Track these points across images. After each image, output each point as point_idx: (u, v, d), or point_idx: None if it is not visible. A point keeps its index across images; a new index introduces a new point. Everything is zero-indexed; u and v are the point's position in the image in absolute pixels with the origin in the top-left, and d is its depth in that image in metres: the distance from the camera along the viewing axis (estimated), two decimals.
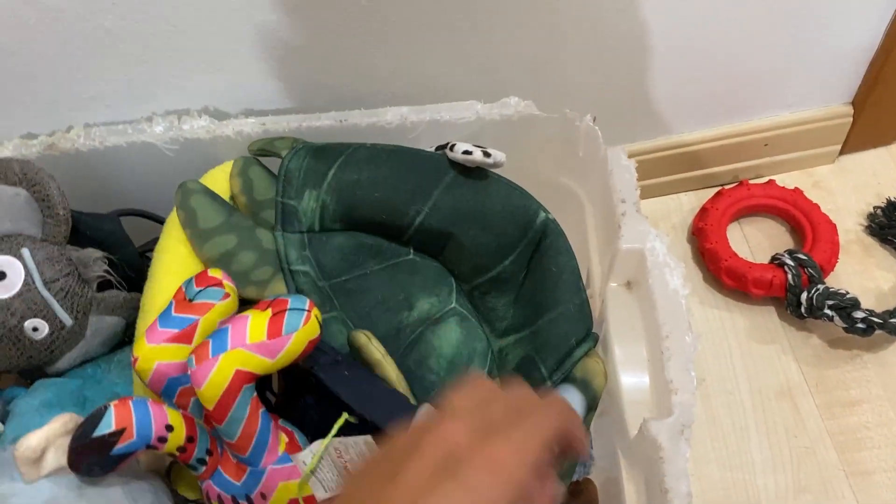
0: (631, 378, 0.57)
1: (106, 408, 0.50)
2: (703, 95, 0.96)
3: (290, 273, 0.60)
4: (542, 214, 0.59)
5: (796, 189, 1.02)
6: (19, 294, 0.61)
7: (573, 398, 0.53)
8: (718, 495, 0.85)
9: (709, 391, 0.92)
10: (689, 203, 1.07)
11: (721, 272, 0.96)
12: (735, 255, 0.97)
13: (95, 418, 0.50)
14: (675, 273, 0.55)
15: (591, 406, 0.54)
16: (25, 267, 0.62)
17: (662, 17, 0.82)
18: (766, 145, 1.03)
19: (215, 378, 0.49)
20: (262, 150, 0.66)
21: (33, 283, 0.62)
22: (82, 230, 0.68)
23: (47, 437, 0.52)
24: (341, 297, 0.61)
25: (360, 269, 0.62)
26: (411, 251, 0.63)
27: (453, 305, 0.61)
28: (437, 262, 0.64)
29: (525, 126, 0.64)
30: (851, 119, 1.02)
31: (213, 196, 0.62)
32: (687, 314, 0.53)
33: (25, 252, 0.63)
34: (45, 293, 0.63)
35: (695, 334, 0.53)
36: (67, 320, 0.64)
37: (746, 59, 0.92)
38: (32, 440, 0.52)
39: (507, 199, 0.60)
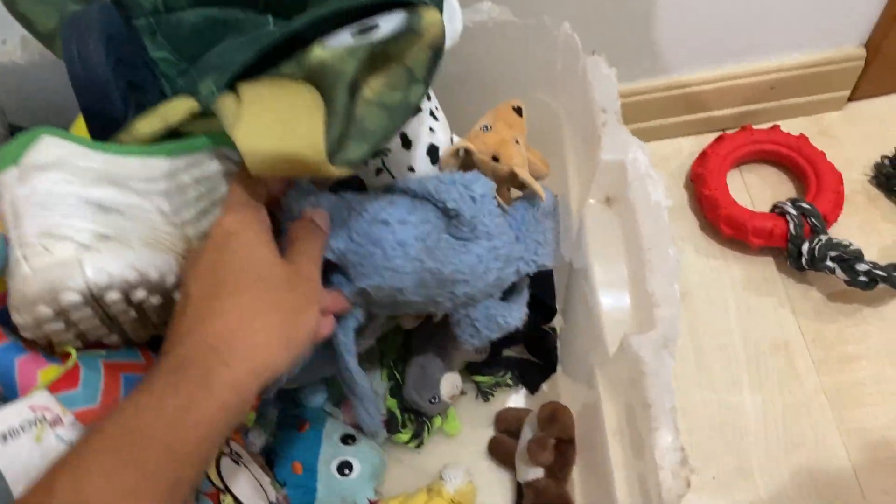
0: (610, 298, 0.56)
1: None
2: (707, 33, 0.94)
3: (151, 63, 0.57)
4: None
5: (801, 136, 1.00)
6: None
7: (390, 13, 0.50)
8: (707, 448, 0.84)
9: (702, 343, 0.91)
10: (689, 148, 1.05)
11: (719, 220, 0.95)
12: (735, 202, 0.95)
13: None
14: (657, 185, 0.53)
15: (414, 22, 0.49)
16: None
17: None
18: (772, 88, 1.01)
19: None
20: None
21: None
22: None
23: None
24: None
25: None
26: (270, 20, 0.59)
27: None
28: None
29: (499, 34, 0.62)
30: (864, 63, 1.00)
31: None
32: (669, 227, 0.52)
33: None
34: None
35: (677, 248, 0.51)
36: None
37: None
38: None
39: None
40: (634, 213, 0.53)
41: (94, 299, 0.49)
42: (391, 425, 0.80)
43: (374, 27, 0.49)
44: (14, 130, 0.66)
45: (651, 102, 1.00)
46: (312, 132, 0.48)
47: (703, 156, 1.01)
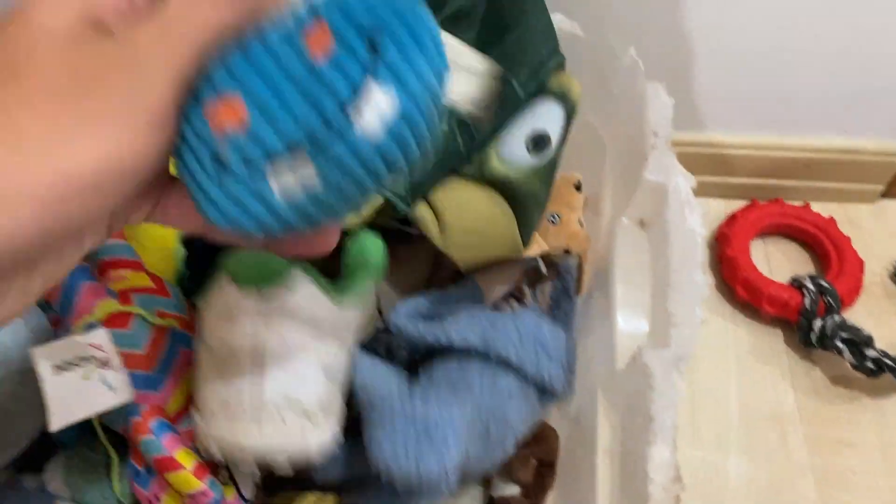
0: (628, 318, 0.55)
1: None
2: (757, 99, 0.95)
3: None
4: None
5: (831, 218, 1.01)
6: None
7: (552, 109, 0.54)
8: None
9: (696, 398, 0.90)
10: (716, 209, 1.05)
11: (737, 282, 0.95)
12: (754, 268, 0.95)
13: None
14: (694, 212, 0.53)
15: (570, 118, 0.55)
16: None
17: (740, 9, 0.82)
18: (808, 167, 1.01)
19: None
20: None
21: None
22: None
23: None
24: None
25: None
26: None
27: None
28: None
29: (564, 48, 0.62)
30: None
31: None
32: (700, 253, 0.51)
33: None
34: None
35: (705, 278, 0.51)
36: None
37: (814, 72, 0.91)
38: None
39: None
40: (667, 234, 0.53)
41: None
42: None
43: (545, 139, 0.54)
44: None
45: (686, 157, 1.00)
46: (513, 239, 0.55)
47: (732, 218, 1.01)
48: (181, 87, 0.25)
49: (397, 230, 0.67)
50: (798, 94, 0.94)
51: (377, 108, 0.25)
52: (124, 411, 0.51)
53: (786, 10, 0.83)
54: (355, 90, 0.25)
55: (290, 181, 0.26)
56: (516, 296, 0.69)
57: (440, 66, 0.27)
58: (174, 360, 0.54)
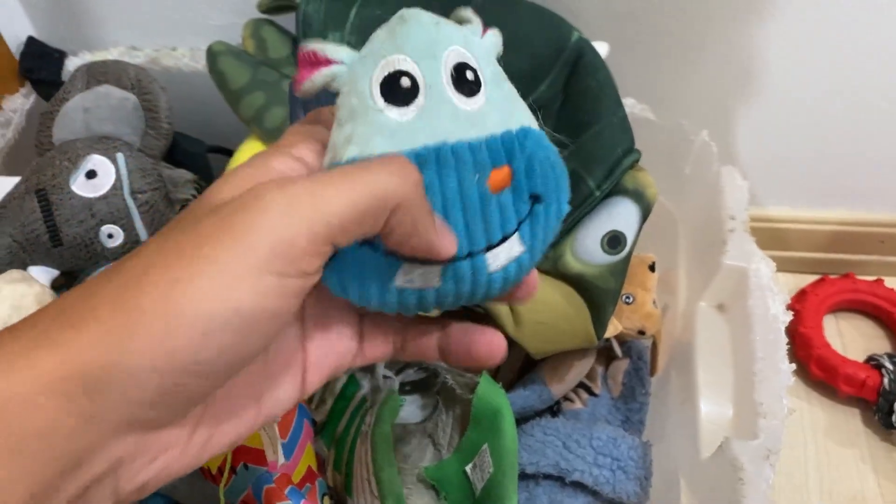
0: (711, 404, 0.55)
1: None
2: (828, 173, 0.94)
3: None
4: (576, 34, 0.57)
5: None
6: (104, 197, 0.63)
7: (628, 209, 0.54)
8: None
9: (775, 483, 0.87)
10: (786, 284, 1.04)
11: (811, 360, 0.92)
12: (828, 345, 0.93)
13: None
14: (777, 299, 0.53)
15: (645, 216, 0.56)
16: (117, 171, 0.64)
17: (807, 87, 0.82)
18: (881, 242, 0.99)
19: None
20: (273, 4, 0.64)
21: (121, 188, 0.63)
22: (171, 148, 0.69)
23: None
24: None
25: None
26: None
27: None
28: None
29: (636, 131, 0.64)
30: None
31: (240, 55, 0.62)
32: (785, 341, 0.51)
33: (120, 157, 0.64)
34: (130, 201, 0.64)
35: (791, 367, 0.50)
36: (143, 234, 0.65)
37: (886, 146, 0.90)
38: None
39: (539, 19, 0.58)
40: (750, 321, 0.52)
41: None
42: None
43: (620, 239, 0.55)
44: (176, 137, 0.68)
45: (757, 231, 0.99)
46: (587, 332, 0.56)
47: (802, 293, 0.99)
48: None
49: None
50: (869, 169, 0.93)
51: (507, 255, 0.30)
52: (248, 481, 0.52)
53: (855, 86, 0.83)
54: (505, 236, 0.29)
55: (415, 281, 0.29)
56: (586, 386, 0.68)
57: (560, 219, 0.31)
58: (301, 431, 0.56)
